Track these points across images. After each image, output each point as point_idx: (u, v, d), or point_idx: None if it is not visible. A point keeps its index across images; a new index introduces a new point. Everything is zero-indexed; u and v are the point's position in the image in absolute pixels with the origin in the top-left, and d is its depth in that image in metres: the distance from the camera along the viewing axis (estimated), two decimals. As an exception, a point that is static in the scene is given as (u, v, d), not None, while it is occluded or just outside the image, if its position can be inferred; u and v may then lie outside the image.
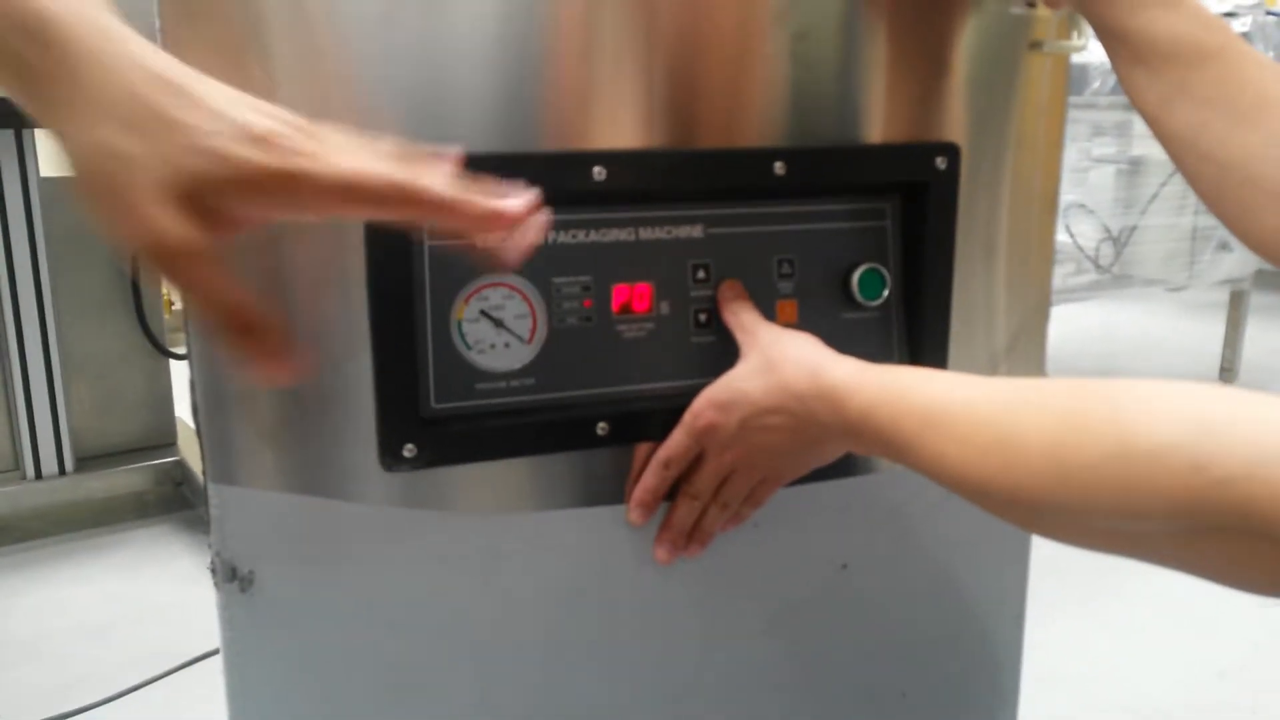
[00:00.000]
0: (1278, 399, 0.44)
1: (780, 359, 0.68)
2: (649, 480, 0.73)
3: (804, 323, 0.78)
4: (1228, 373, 3.03)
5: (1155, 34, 0.65)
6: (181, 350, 0.59)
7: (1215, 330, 3.09)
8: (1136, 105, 0.68)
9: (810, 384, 0.65)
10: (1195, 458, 0.43)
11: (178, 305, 3.25)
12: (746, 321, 0.73)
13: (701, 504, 0.74)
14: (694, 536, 0.75)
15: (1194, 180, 0.67)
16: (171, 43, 0.60)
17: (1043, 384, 0.54)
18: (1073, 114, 2.40)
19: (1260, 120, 0.62)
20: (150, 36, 0.60)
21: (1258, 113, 0.62)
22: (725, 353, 0.75)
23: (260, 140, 0.44)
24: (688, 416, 0.71)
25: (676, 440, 0.72)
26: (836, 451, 0.73)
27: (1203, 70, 0.64)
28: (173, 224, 0.43)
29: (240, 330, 0.47)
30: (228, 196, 0.44)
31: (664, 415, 0.73)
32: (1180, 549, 0.47)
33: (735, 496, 0.74)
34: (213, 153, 0.43)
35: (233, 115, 0.44)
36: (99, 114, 0.43)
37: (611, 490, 0.75)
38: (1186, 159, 0.66)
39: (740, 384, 0.69)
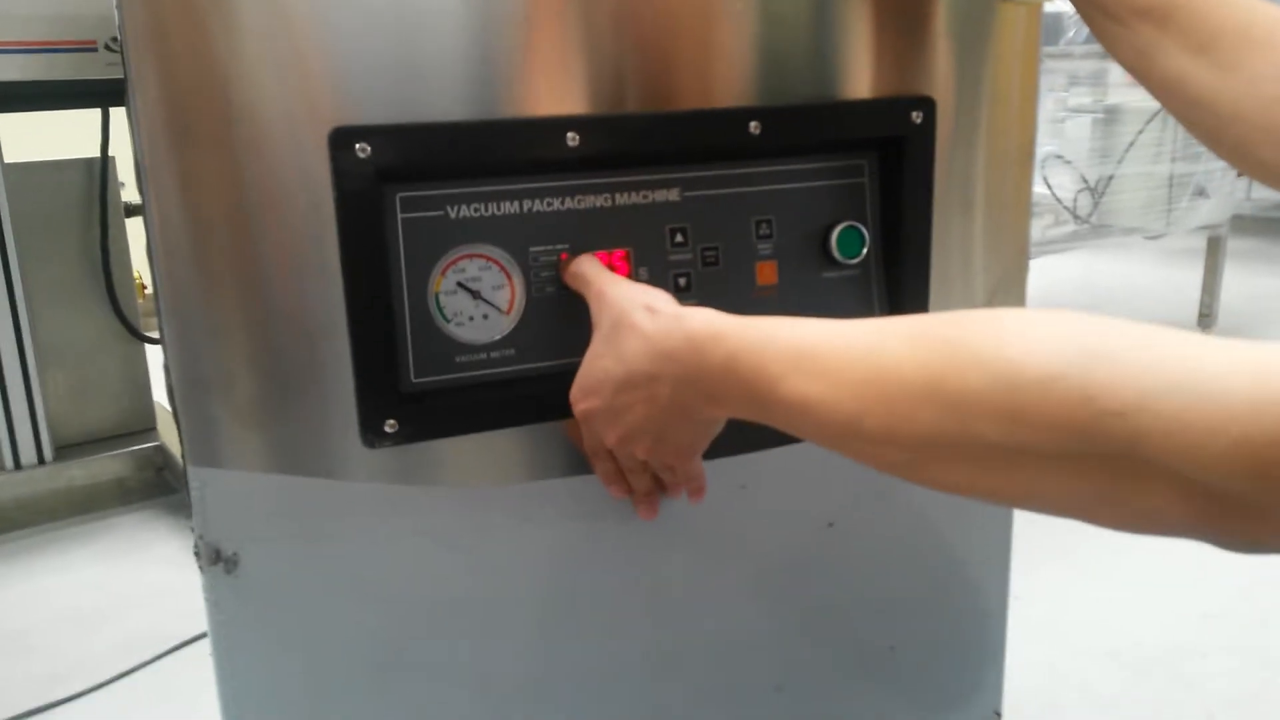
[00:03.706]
0: (1164, 328, 0.42)
1: (633, 315, 0.63)
2: (597, 468, 0.73)
3: (784, 283, 0.77)
4: (1206, 318, 3.04)
5: None
6: (157, 334, 0.58)
7: (1193, 277, 3.10)
8: (1117, 60, 0.68)
9: (669, 337, 0.61)
10: (1086, 387, 0.42)
11: (151, 289, 3.22)
12: (591, 276, 0.69)
13: (642, 472, 0.72)
14: (658, 495, 0.75)
15: (1187, 126, 0.66)
16: (131, 15, 0.59)
17: (917, 318, 0.52)
18: (1048, 64, 2.39)
19: (1240, 61, 0.62)
20: (111, 10, 0.59)
21: (1237, 54, 0.62)
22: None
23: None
24: (571, 405, 0.68)
25: (584, 435, 0.70)
26: (709, 415, 0.65)
27: (1175, 20, 0.64)
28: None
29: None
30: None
31: (646, 381, 0.73)
32: (1062, 482, 0.45)
33: (657, 465, 0.71)
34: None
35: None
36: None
37: (596, 458, 0.75)
38: (1175, 107, 0.66)
39: (598, 361, 0.66)
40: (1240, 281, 3.61)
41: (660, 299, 0.64)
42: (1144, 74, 0.66)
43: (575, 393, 0.67)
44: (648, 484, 0.73)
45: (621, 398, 0.64)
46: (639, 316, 0.63)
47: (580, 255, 0.71)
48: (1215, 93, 0.63)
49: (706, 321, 0.60)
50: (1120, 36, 0.67)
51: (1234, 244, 3.04)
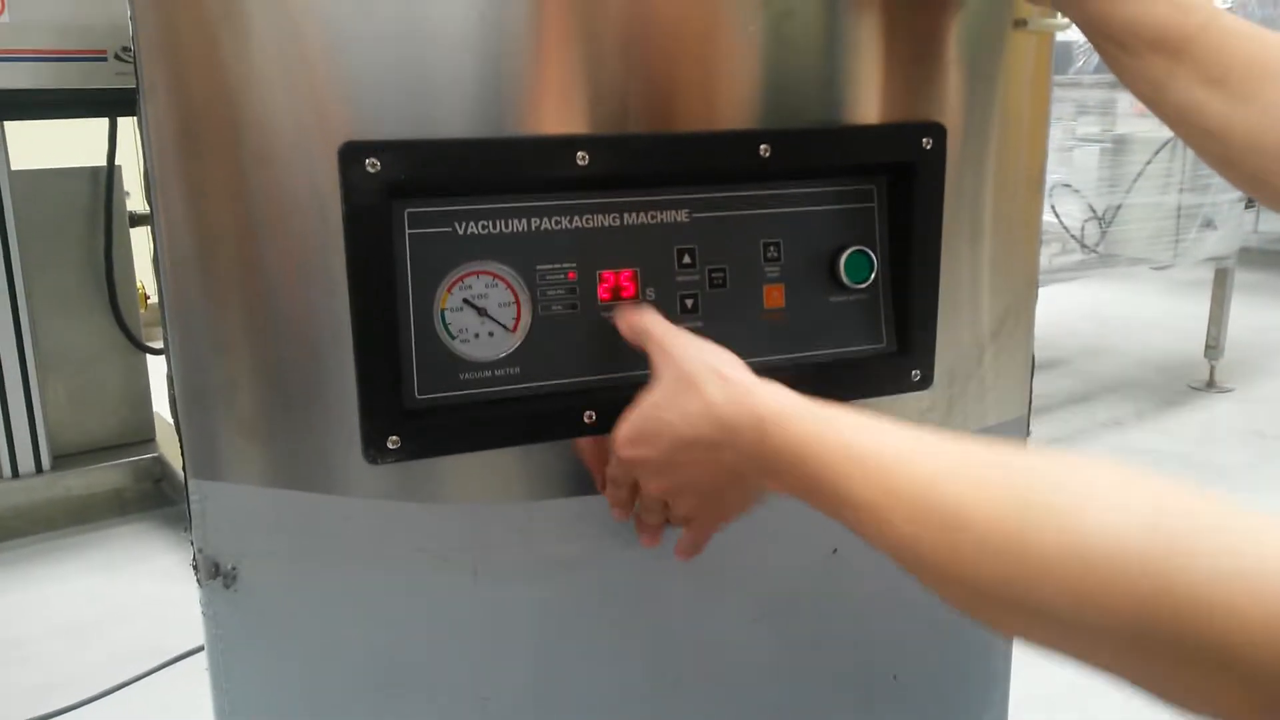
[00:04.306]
0: (1238, 505, 0.42)
1: (701, 378, 0.63)
2: (609, 493, 0.72)
3: (791, 306, 0.77)
4: (1213, 350, 3.04)
5: (1135, 25, 0.64)
6: (158, 345, 0.57)
7: (1200, 308, 3.10)
8: (1132, 92, 0.68)
9: (737, 410, 0.60)
10: (1159, 571, 0.41)
11: (153, 299, 3.22)
12: (655, 330, 0.68)
13: (659, 511, 0.72)
14: (664, 531, 0.74)
15: (1203, 155, 0.66)
16: (144, 25, 0.59)
17: (993, 451, 0.50)
18: (1057, 93, 2.40)
19: (1254, 93, 0.61)
20: (122, 20, 0.59)
21: (1250, 86, 0.61)
22: (711, 338, 0.74)
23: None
24: (615, 444, 0.67)
25: (612, 465, 0.70)
26: (766, 487, 0.64)
27: (1188, 53, 0.63)
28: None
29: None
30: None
31: (652, 402, 0.72)
32: (1125, 658, 0.44)
33: (679, 518, 0.71)
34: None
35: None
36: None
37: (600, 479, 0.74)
38: (1190, 138, 0.66)
39: (660, 412, 0.64)
40: (1247, 314, 3.61)
41: (729, 363, 0.64)
42: (1158, 105, 0.66)
43: (627, 435, 0.66)
44: (660, 520, 0.72)
45: (679, 455, 0.64)
46: (709, 381, 0.62)
47: (641, 307, 0.71)
48: (1230, 123, 0.62)
49: (775, 400, 0.59)
50: (1133, 68, 0.66)
51: (1241, 276, 3.05)
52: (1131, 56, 0.66)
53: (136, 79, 0.61)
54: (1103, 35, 0.67)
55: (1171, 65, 0.64)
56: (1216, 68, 0.63)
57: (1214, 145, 0.64)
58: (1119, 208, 2.58)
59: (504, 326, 0.70)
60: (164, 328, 0.64)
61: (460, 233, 0.68)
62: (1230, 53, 0.63)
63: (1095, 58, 2.33)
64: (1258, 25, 0.64)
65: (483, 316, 0.69)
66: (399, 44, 0.63)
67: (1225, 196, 2.71)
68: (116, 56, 1.72)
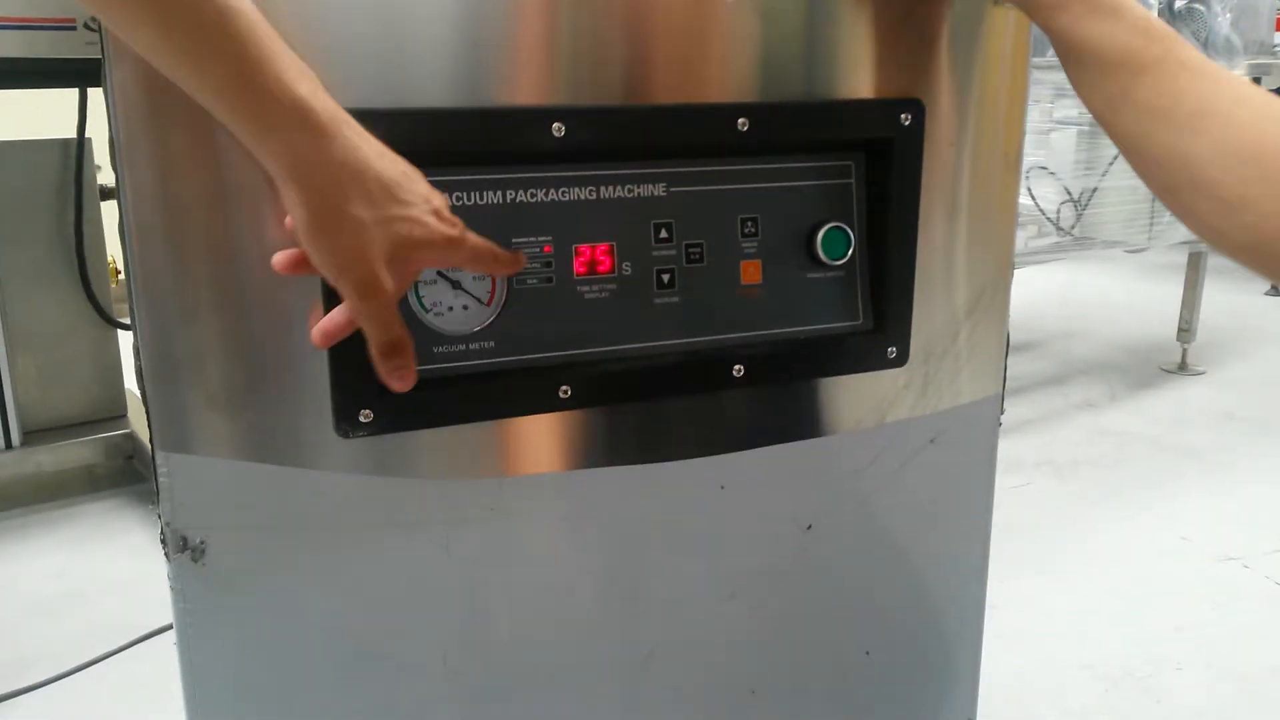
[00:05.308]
0: None
1: None
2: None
3: (768, 282, 0.76)
4: (1185, 333, 3.06)
5: (1099, 44, 0.65)
6: (129, 320, 0.56)
7: (1174, 292, 3.12)
8: (1086, 107, 0.68)
9: None
10: None
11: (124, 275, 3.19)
12: None
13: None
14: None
15: (1145, 181, 0.66)
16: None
17: None
18: (1035, 75, 2.38)
19: (1201, 130, 0.62)
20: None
21: (1198, 122, 0.62)
22: (687, 313, 0.73)
23: (439, 214, 0.60)
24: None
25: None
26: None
27: (1143, 80, 0.64)
28: (386, 275, 0.58)
29: (393, 353, 0.60)
30: (416, 254, 0.59)
31: (627, 377, 0.72)
32: None
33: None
34: (417, 222, 0.58)
35: (428, 195, 0.60)
36: (350, 188, 0.56)
37: (574, 454, 0.74)
38: (1135, 162, 0.66)
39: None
40: (1219, 297, 3.64)
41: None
42: (1109, 126, 0.67)
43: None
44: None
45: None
46: None
47: None
48: (1173, 156, 0.63)
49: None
50: (1091, 85, 0.67)
51: (1214, 260, 3.07)
52: (1091, 74, 0.66)
53: (102, 46, 0.59)
54: (1067, 50, 0.67)
55: (1126, 89, 0.65)
56: (1167, 98, 0.63)
57: (1158, 174, 0.65)
58: (1095, 191, 2.59)
59: (478, 300, 0.69)
60: (130, 298, 0.63)
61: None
62: (1183, 89, 0.63)
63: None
64: (1216, 64, 0.65)
65: (457, 290, 0.69)
66: (375, 11, 0.62)
67: (1200, 181, 2.71)
68: (86, 25, 1.69)
